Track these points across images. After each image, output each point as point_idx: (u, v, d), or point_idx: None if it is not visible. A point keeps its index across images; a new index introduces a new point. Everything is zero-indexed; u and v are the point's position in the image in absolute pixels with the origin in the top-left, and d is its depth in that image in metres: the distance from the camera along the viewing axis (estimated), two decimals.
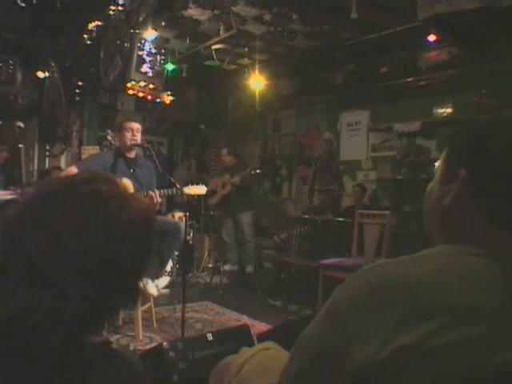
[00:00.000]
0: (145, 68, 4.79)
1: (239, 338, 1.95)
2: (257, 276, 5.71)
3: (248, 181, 5.68)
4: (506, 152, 0.76)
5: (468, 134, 0.84)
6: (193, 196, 3.50)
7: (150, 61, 4.80)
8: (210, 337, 1.93)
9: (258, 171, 5.54)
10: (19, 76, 5.80)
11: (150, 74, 4.86)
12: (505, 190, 0.75)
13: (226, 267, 5.56)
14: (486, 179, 0.76)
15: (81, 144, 6.30)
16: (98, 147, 6.14)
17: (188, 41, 5.46)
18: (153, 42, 4.78)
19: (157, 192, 3.24)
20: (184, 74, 6.11)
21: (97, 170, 0.81)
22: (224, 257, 5.79)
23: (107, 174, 0.79)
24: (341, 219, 4.95)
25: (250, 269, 5.77)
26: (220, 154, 6.04)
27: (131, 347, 3.06)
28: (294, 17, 4.69)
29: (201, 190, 3.48)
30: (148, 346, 3.07)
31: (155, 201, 3.22)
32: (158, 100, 5.37)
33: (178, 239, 3.47)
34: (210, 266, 5.89)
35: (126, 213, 0.72)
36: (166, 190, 3.31)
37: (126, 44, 4.63)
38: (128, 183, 3.11)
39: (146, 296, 3.47)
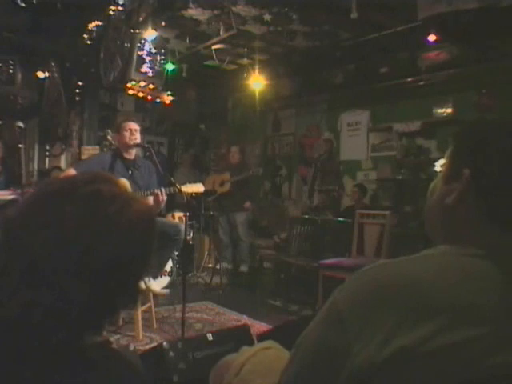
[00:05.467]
0: (145, 68, 4.78)
1: (239, 337, 1.95)
2: (252, 275, 5.72)
3: (248, 181, 5.72)
4: (510, 152, 0.76)
5: (473, 134, 0.84)
6: (191, 194, 3.50)
7: (149, 61, 4.80)
8: (209, 337, 1.93)
9: (260, 172, 5.57)
10: (19, 76, 5.79)
11: (150, 74, 4.85)
12: (508, 190, 0.74)
13: (223, 265, 5.59)
14: (490, 179, 0.76)
15: (81, 144, 6.30)
16: (98, 147, 6.14)
17: (188, 41, 5.46)
18: (153, 42, 4.77)
19: (163, 190, 3.24)
20: (184, 74, 6.11)
21: (98, 171, 0.81)
22: (221, 254, 5.83)
23: (108, 175, 0.79)
24: (341, 219, 4.95)
25: (244, 268, 5.81)
26: (230, 152, 6.08)
27: (131, 347, 3.06)
28: (294, 17, 4.69)
29: (198, 188, 3.47)
30: (148, 346, 3.07)
31: (160, 199, 3.21)
32: (158, 100, 5.37)
33: (178, 241, 3.47)
34: (210, 266, 5.90)
35: (127, 214, 0.72)
36: (169, 189, 3.31)
37: (125, 44, 4.63)
38: (126, 183, 3.11)
39: (147, 293, 3.47)
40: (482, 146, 0.79)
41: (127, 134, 3.46)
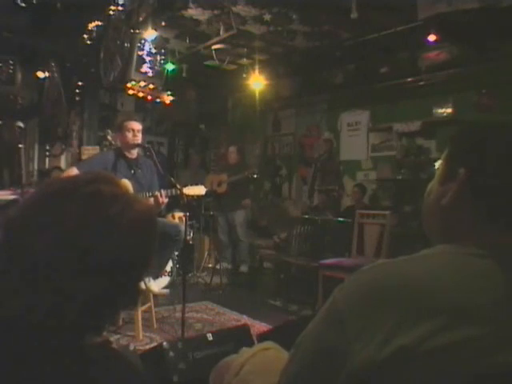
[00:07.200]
0: (145, 68, 4.78)
1: (239, 338, 1.96)
2: (252, 275, 5.72)
3: (244, 182, 5.74)
4: (505, 152, 0.76)
5: (468, 135, 0.84)
6: (192, 196, 3.50)
7: (149, 61, 4.80)
8: (209, 337, 1.93)
9: (255, 176, 5.58)
10: (19, 76, 5.80)
11: (150, 74, 4.85)
12: (504, 190, 0.75)
13: (223, 265, 5.60)
14: (486, 179, 0.76)
15: (81, 144, 6.30)
16: (98, 147, 6.15)
17: (188, 41, 5.46)
18: (153, 42, 4.77)
19: (163, 192, 3.22)
20: (184, 74, 6.11)
21: (99, 171, 0.81)
22: (221, 254, 5.85)
23: (110, 175, 0.79)
24: (341, 219, 4.96)
25: (244, 268, 5.81)
26: (228, 152, 6.10)
27: (131, 347, 3.06)
28: (294, 17, 4.69)
29: (200, 190, 3.47)
30: (148, 346, 3.07)
31: (161, 201, 3.20)
32: (158, 100, 5.37)
33: (178, 241, 3.46)
34: (210, 266, 5.90)
35: (128, 214, 0.72)
36: (170, 191, 3.30)
37: (125, 44, 4.63)
38: (127, 184, 3.10)
39: (147, 293, 3.47)
40: (477, 147, 0.79)
41: (129, 134, 3.45)
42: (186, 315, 3.15)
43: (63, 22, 4.88)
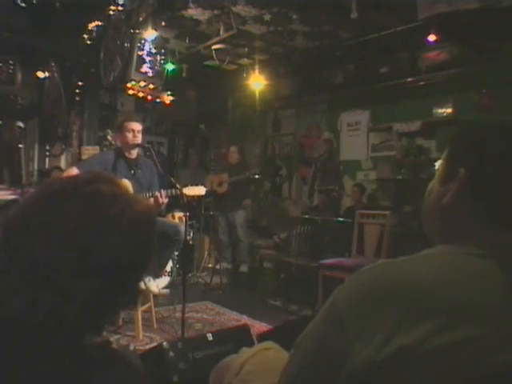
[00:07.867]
0: (145, 68, 4.78)
1: (239, 338, 1.96)
2: (252, 275, 5.72)
3: (245, 183, 5.74)
4: (505, 152, 0.76)
5: (468, 135, 0.84)
6: (193, 197, 3.50)
7: (149, 61, 4.80)
8: (209, 337, 1.93)
9: (256, 176, 5.58)
10: (19, 76, 5.80)
11: (150, 74, 4.85)
12: (504, 189, 0.75)
13: (223, 265, 5.60)
14: (486, 179, 0.76)
15: (81, 144, 6.30)
16: (97, 147, 6.15)
17: (188, 41, 5.46)
18: (153, 42, 4.78)
19: (163, 192, 3.22)
20: (184, 74, 6.11)
21: (99, 171, 0.81)
22: (221, 254, 5.85)
23: (109, 175, 0.79)
24: (341, 219, 4.96)
25: (244, 268, 5.82)
26: (228, 152, 6.11)
27: (131, 347, 3.06)
28: (294, 17, 4.69)
29: (200, 190, 3.47)
30: (148, 346, 3.07)
31: (161, 201, 3.20)
32: (158, 100, 5.37)
33: (178, 241, 3.46)
34: (210, 266, 5.90)
35: (128, 214, 0.72)
36: (170, 191, 3.30)
37: (125, 44, 4.63)
38: (127, 184, 3.10)
39: (147, 293, 3.47)
40: (477, 147, 0.79)
41: (130, 134, 3.45)
42: (186, 315, 3.14)
43: (63, 21, 4.88)
